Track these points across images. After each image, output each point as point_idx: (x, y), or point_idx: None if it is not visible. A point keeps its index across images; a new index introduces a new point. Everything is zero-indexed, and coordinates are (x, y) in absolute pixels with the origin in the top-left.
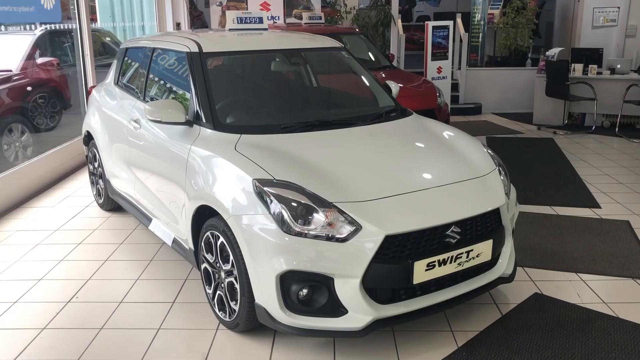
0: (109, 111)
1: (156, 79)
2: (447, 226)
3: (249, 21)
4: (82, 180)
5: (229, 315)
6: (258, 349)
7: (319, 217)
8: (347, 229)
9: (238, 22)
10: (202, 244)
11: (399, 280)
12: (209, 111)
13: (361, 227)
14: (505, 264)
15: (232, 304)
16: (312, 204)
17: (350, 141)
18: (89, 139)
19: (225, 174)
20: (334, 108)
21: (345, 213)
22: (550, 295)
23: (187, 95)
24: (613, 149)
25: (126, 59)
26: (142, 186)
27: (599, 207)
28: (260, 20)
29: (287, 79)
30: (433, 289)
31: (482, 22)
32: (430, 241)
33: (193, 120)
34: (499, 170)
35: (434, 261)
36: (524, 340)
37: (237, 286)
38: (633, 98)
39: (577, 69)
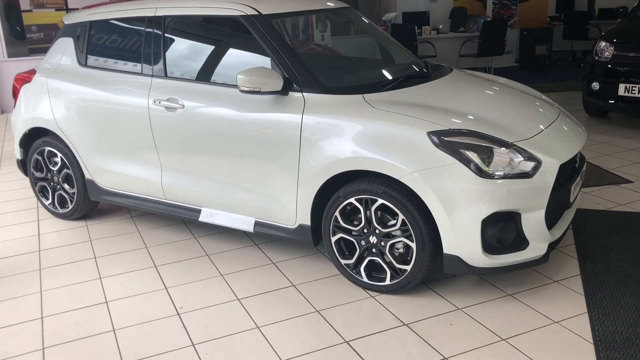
0: (97, 96)
1: (185, 51)
2: (576, 154)
3: None
4: None
5: (391, 278)
6: (434, 301)
7: (504, 158)
8: (530, 165)
9: None
10: (338, 214)
11: (563, 205)
12: (308, 75)
13: (541, 161)
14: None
15: (397, 265)
16: (495, 146)
17: (458, 91)
18: (29, 138)
19: (381, 135)
20: (398, 64)
21: (526, 150)
22: (586, 208)
23: (255, 62)
24: None
25: (97, 34)
26: (185, 176)
27: None
28: None
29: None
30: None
31: None
32: (568, 168)
33: (287, 88)
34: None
35: (574, 184)
36: (615, 241)
37: (413, 245)
38: (466, 52)
39: None
